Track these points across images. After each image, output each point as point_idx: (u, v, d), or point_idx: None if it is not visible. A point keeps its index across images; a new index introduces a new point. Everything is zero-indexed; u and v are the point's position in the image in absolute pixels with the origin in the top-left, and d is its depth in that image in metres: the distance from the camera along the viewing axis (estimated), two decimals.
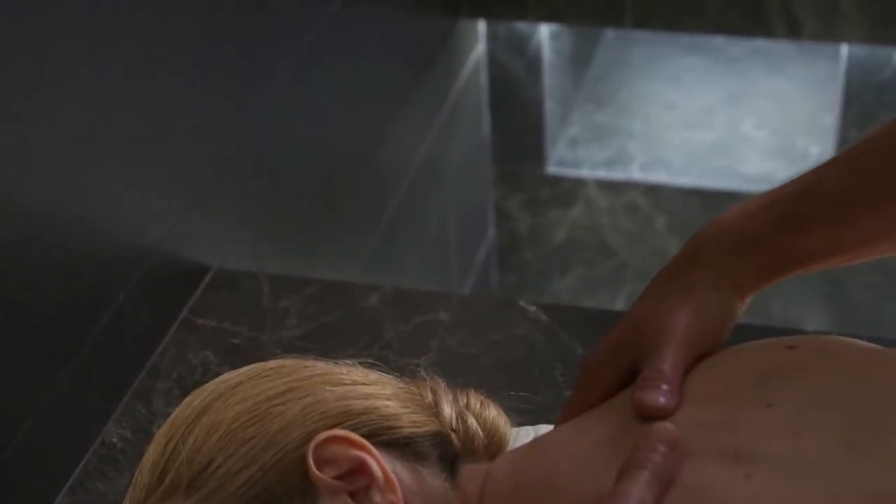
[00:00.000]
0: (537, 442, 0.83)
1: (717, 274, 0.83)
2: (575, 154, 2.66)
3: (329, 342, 1.31)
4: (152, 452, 0.80)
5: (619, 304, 2.66)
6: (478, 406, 0.85)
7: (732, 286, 0.83)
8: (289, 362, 0.83)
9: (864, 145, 0.82)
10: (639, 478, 0.69)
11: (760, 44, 2.84)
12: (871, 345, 0.80)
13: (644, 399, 0.76)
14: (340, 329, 1.34)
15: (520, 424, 1.00)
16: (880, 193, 0.80)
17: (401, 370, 0.88)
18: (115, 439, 1.21)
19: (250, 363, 0.84)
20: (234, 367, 0.85)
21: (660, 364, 0.78)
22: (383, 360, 0.89)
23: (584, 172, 2.63)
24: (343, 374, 0.82)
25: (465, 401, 0.85)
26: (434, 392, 0.84)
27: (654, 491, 0.69)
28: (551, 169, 2.63)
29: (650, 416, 0.75)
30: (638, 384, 0.77)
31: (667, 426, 0.72)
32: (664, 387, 0.76)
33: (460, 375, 0.91)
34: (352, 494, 0.75)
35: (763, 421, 0.72)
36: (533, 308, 1.34)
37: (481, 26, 2.36)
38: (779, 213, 0.83)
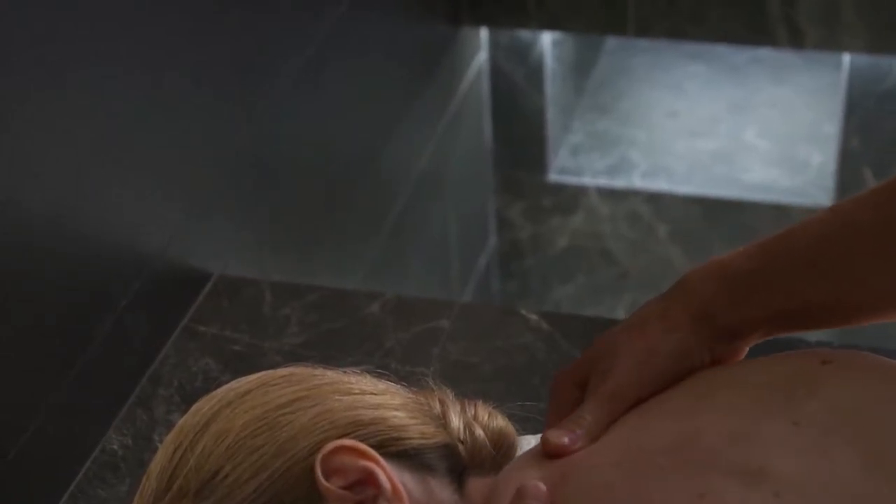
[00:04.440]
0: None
1: (683, 307, 0.83)
2: (577, 162, 2.67)
3: (330, 350, 1.31)
4: (160, 459, 0.79)
5: (621, 313, 2.66)
6: (486, 417, 0.85)
7: (703, 319, 0.83)
8: (298, 370, 0.82)
9: (857, 197, 0.82)
10: None
11: (763, 52, 2.84)
12: None
13: (549, 437, 0.80)
14: (342, 337, 1.34)
15: (524, 433, 1.00)
16: (857, 244, 0.80)
17: (403, 378, 0.88)
18: (115, 446, 1.21)
19: (251, 371, 0.84)
20: (236, 374, 0.85)
21: (584, 412, 0.81)
22: (385, 367, 0.89)
23: (586, 180, 2.63)
24: (352, 383, 0.82)
25: (473, 412, 0.85)
26: (442, 403, 0.84)
27: None
28: (553, 177, 2.63)
29: (550, 454, 0.79)
30: (558, 424, 0.81)
31: (537, 485, 0.75)
32: (577, 432, 0.80)
33: (461, 383, 0.91)
34: None
35: (791, 440, 0.72)
36: (534, 316, 1.34)
37: (483, 34, 2.36)
38: (762, 252, 0.83)
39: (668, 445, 0.75)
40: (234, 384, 0.82)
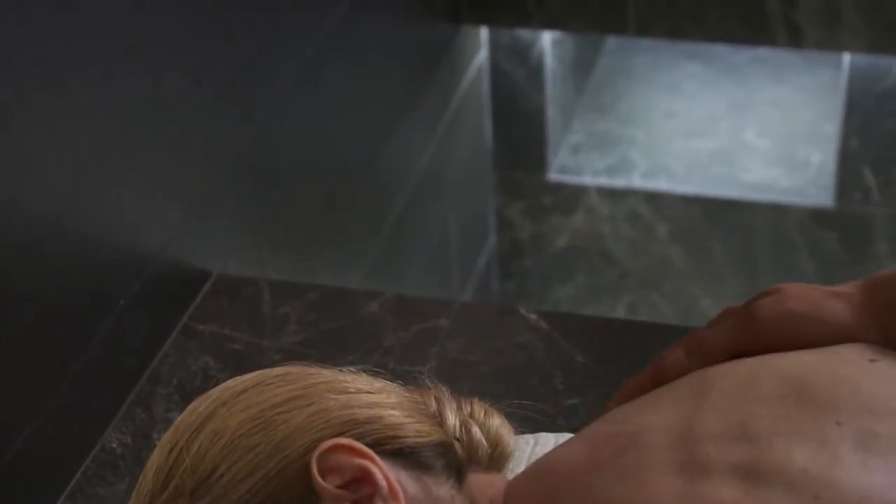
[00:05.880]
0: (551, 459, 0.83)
1: (866, 298, 0.83)
2: (576, 161, 2.67)
3: (329, 349, 1.31)
4: (156, 458, 0.80)
5: (620, 312, 2.66)
6: (482, 415, 0.85)
7: (880, 319, 0.83)
8: (294, 369, 0.82)
9: None
10: None
11: (762, 52, 2.84)
12: None
13: None
14: (341, 336, 1.34)
15: (522, 432, 1.00)
16: None
17: (401, 377, 0.88)
18: (115, 445, 1.22)
19: (250, 369, 0.84)
20: (235, 373, 0.85)
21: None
22: (383, 367, 0.89)
23: (586, 180, 2.63)
24: (348, 381, 0.82)
25: (469, 410, 0.85)
26: (438, 401, 0.84)
27: None
28: (553, 176, 2.63)
29: None
30: None
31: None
32: None
33: (460, 383, 0.91)
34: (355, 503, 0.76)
35: (833, 440, 0.72)
36: (533, 316, 1.34)
37: (483, 33, 2.36)
38: None
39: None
40: (229, 383, 0.82)
